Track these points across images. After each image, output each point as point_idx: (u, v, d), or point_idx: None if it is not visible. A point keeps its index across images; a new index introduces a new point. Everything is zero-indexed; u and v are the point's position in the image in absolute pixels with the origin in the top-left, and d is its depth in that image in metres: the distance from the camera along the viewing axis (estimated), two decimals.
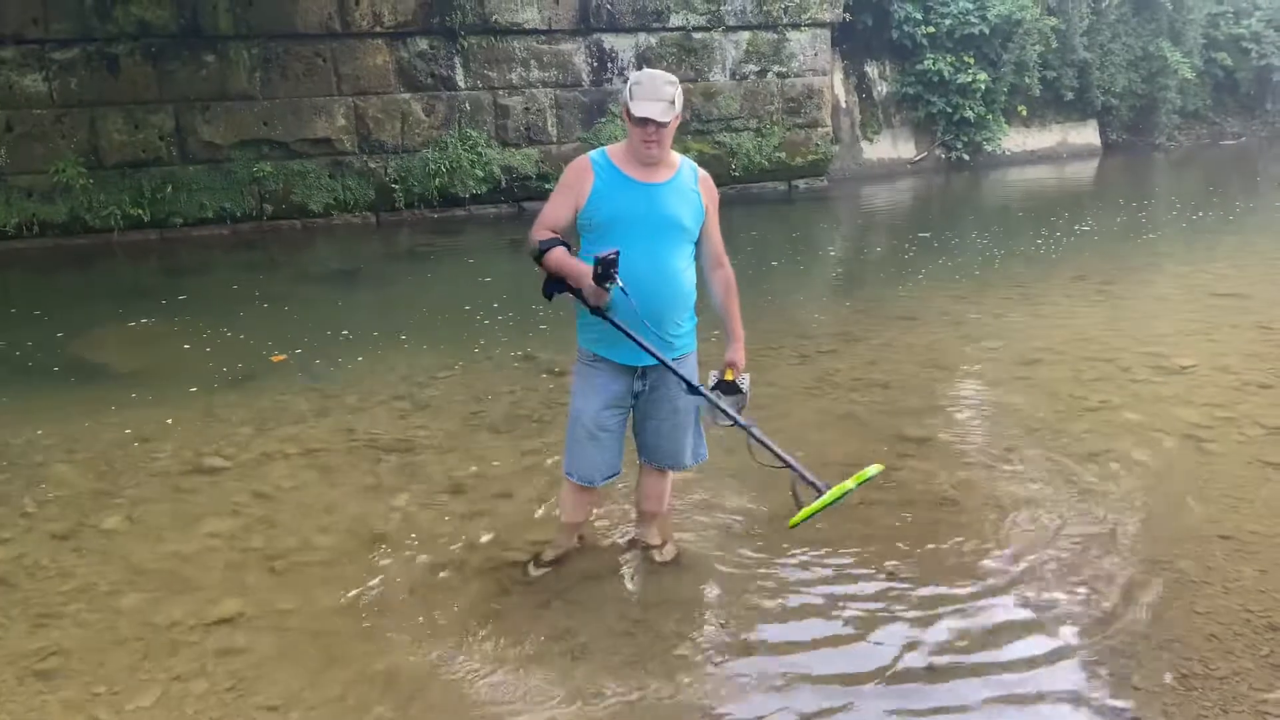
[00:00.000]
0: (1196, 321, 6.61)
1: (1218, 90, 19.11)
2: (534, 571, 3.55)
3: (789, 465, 3.04)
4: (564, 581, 3.50)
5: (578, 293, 3.12)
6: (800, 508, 2.97)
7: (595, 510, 3.89)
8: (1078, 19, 16.09)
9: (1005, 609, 3.27)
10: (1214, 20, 18.33)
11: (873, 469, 3.12)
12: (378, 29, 11.61)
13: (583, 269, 3.06)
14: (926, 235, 10.66)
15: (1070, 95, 16.78)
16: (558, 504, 3.79)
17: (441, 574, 3.59)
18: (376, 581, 3.55)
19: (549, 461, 4.53)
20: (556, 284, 3.15)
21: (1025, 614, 3.23)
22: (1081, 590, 3.36)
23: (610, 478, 3.45)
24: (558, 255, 3.11)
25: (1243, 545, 3.61)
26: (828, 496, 2.94)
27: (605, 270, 2.95)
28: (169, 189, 10.78)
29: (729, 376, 3.43)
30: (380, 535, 3.91)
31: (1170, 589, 3.35)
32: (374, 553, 3.77)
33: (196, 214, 10.91)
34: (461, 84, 12.15)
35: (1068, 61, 16.39)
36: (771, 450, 3.06)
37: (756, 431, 3.11)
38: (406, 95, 11.91)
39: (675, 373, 3.19)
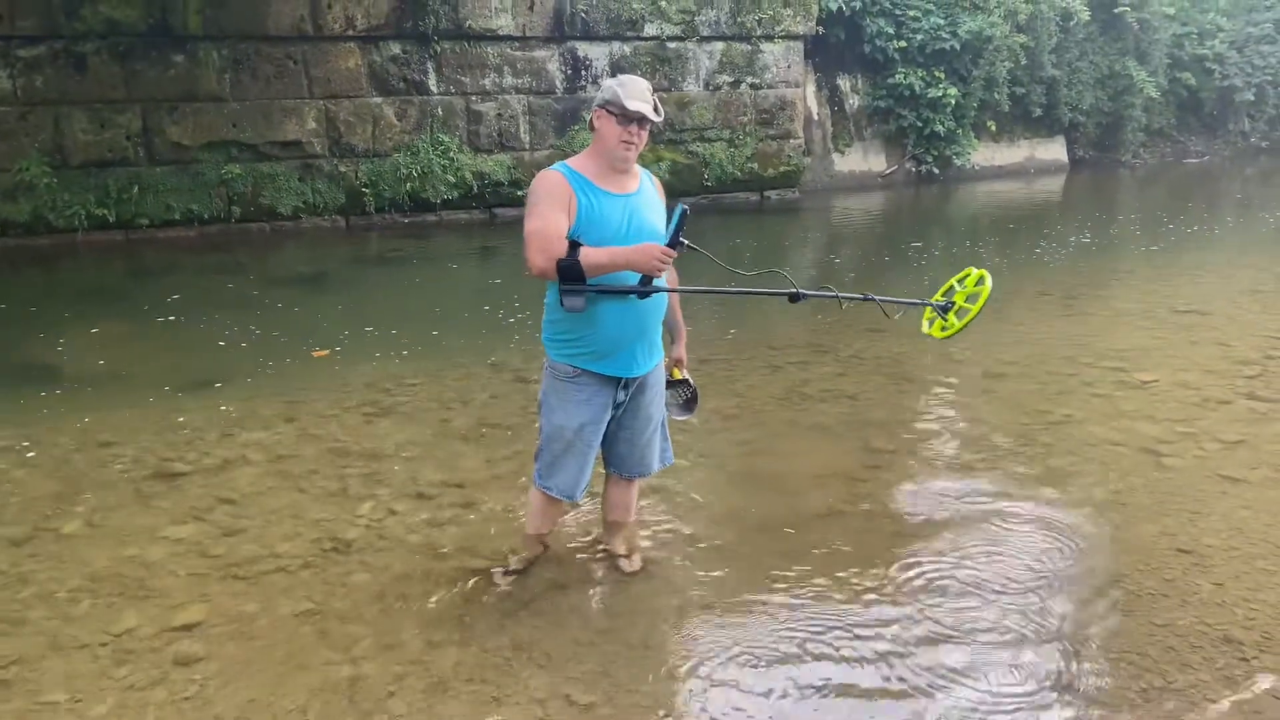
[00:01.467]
0: (1157, 337, 6.72)
1: (1182, 109, 19.47)
2: (500, 581, 3.54)
3: (918, 303, 3.47)
4: (530, 591, 3.49)
5: (602, 290, 2.99)
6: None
7: (563, 519, 3.88)
8: (1046, 37, 16.33)
9: (966, 620, 3.30)
10: (1179, 40, 18.68)
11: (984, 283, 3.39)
12: (350, 32, 11.55)
13: (630, 248, 2.97)
14: (895, 247, 10.76)
15: (1038, 111, 17.03)
16: (526, 514, 3.78)
17: (407, 582, 3.57)
18: (341, 590, 3.52)
19: (516, 470, 4.52)
20: (583, 291, 2.98)
21: (985, 625, 3.27)
22: (1041, 602, 3.40)
23: (583, 490, 3.45)
24: (588, 253, 2.93)
25: (1200, 559, 3.68)
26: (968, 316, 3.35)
27: (681, 229, 2.96)
28: (135, 190, 10.63)
29: (676, 374, 3.58)
30: (345, 543, 3.87)
31: (1130, 602, 3.40)
32: (339, 561, 3.74)
33: (163, 215, 10.77)
34: (434, 89, 12.11)
35: (1036, 78, 16.63)
36: (901, 303, 3.47)
37: (878, 298, 3.38)
38: (378, 99, 11.85)
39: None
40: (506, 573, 3.58)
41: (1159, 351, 6.38)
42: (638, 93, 3.08)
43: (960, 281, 3.41)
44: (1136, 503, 4.16)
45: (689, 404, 3.67)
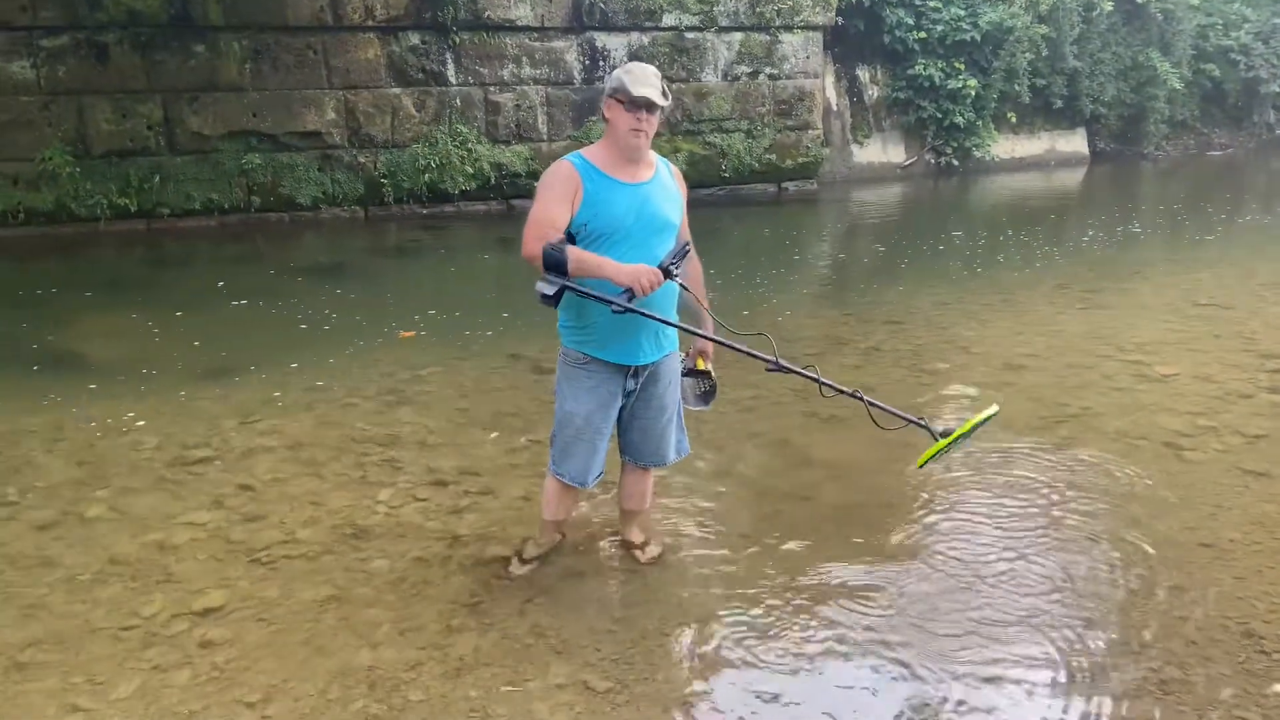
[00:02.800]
0: (1178, 331, 6.67)
1: (1206, 101, 19.24)
2: (517, 568, 3.56)
3: (910, 421, 3.22)
4: (546, 578, 3.51)
5: (579, 291, 2.95)
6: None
7: (581, 507, 3.90)
8: (1068, 28, 16.17)
9: (986, 612, 3.29)
10: (1203, 32, 18.46)
11: (990, 410, 3.24)
12: (369, 23, 11.57)
13: (607, 263, 2.96)
14: (914, 240, 10.71)
15: (1059, 103, 16.87)
16: (542, 500, 3.79)
17: (425, 568, 3.60)
18: (360, 575, 3.55)
19: (534, 458, 4.54)
20: (559, 286, 2.92)
21: (1004, 617, 3.26)
22: (1060, 595, 3.39)
23: (597, 478, 3.46)
24: (577, 252, 2.94)
25: (1221, 553, 3.65)
26: (951, 437, 3.18)
27: (678, 263, 3.01)
28: (156, 179, 10.71)
29: (700, 364, 3.54)
30: (364, 529, 3.90)
31: (1150, 595, 3.38)
32: (358, 546, 3.77)
33: (183, 205, 10.85)
34: (453, 80, 12.13)
35: (1057, 70, 16.48)
36: (889, 411, 3.21)
37: (867, 398, 3.20)
38: (397, 90, 11.88)
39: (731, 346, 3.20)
40: (524, 560, 3.60)
41: (1180, 345, 6.33)
42: (644, 79, 3.07)
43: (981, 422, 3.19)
44: (1157, 496, 4.14)
45: (706, 396, 3.63)
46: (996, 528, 3.89)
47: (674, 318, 3.27)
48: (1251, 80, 19.11)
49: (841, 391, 3.19)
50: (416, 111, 11.97)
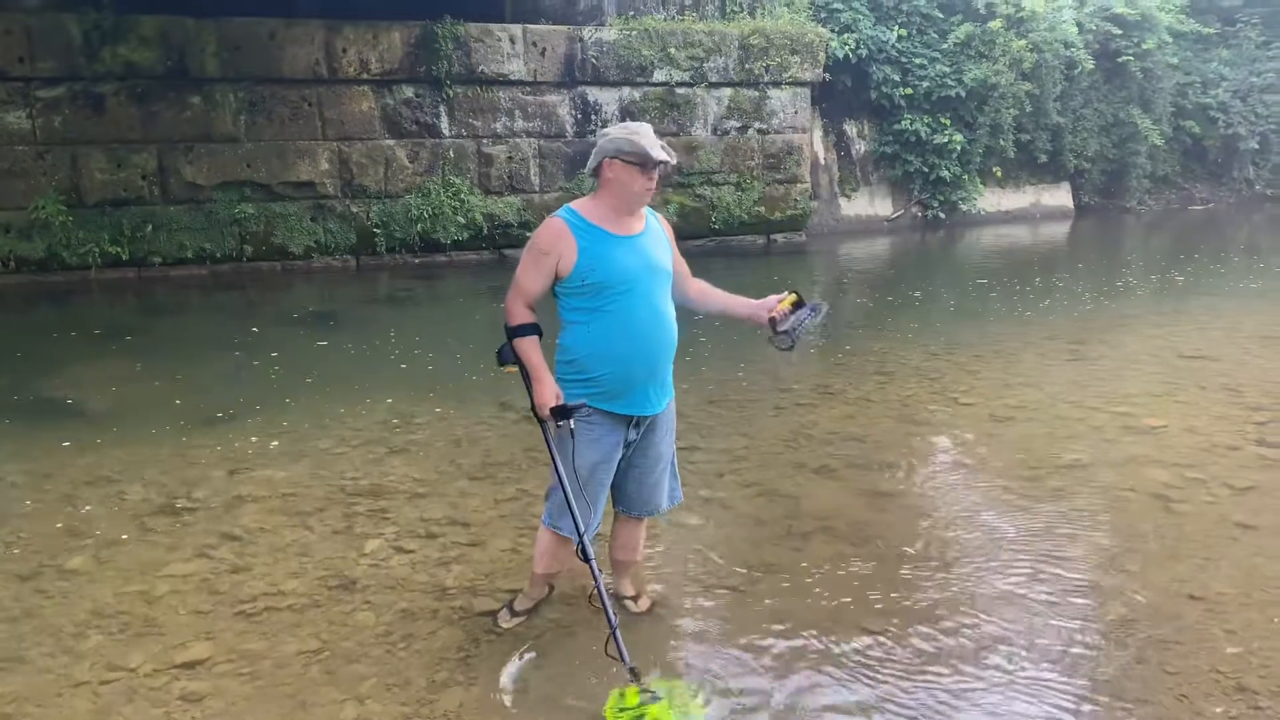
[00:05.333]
0: (1165, 383, 6.71)
1: (1186, 157, 19.60)
2: (506, 621, 3.52)
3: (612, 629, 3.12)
4: (536, 631, 3.48)
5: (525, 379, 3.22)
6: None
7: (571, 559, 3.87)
8: (1051, 85, 16.50)
9: (976, 666, 3.27)
10: (1182, 89, 18.86)
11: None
12: (364, 75, 11.74)
13: (545, 374, 3.19)
14: (903, 291, 10.80)
15: (1044, 158, 17.15)
16: (534, 553, 3.76)
17: (412, 621, 3.56)
18: (346, 628, 3.51)
19: (523, 509, 4.52)
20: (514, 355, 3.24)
21: (995, 674, 3.24)
22: (1053, 649, 3.37)
23: (593, 531, 3.43)
24: (526, 348, 3.20)
25: (1212, 606, 3.64)
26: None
27: (563, 416, 3.13)
28: (149, 228, 10.76)
29: (788, 303, 3.35)
30: (351, 581, 3.87)
31: (1141, 649, 3.36)
32: (344, 599, 3.73)
33: (176, 254, 10.88)
34: (446, 131, 12.27)
35: (1041, 125, 16.78)
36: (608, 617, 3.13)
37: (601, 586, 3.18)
38: (391, 141, 12.01)
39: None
40: (513, 613, 3.56)
41: (1167, 397, 6.37)
42: (654, 140, 3.15)
43: None
44: (1147, 549, 4.14)
45: (816, 315, 3.34)
46: (985, 579, 3.87)
47: (665, 374, 3.30)
48: (1230, 137, 19.49)
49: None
50: (410, 162, 12.09)
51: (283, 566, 3.99)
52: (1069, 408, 6.13)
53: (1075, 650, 3.36)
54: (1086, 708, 3.04)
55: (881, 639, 3.44)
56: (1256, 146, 19.83)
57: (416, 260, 11.94)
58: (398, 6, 11.68)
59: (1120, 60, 17.45)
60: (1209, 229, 16.79)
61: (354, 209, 11.83)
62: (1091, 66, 16.81)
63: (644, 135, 3.15)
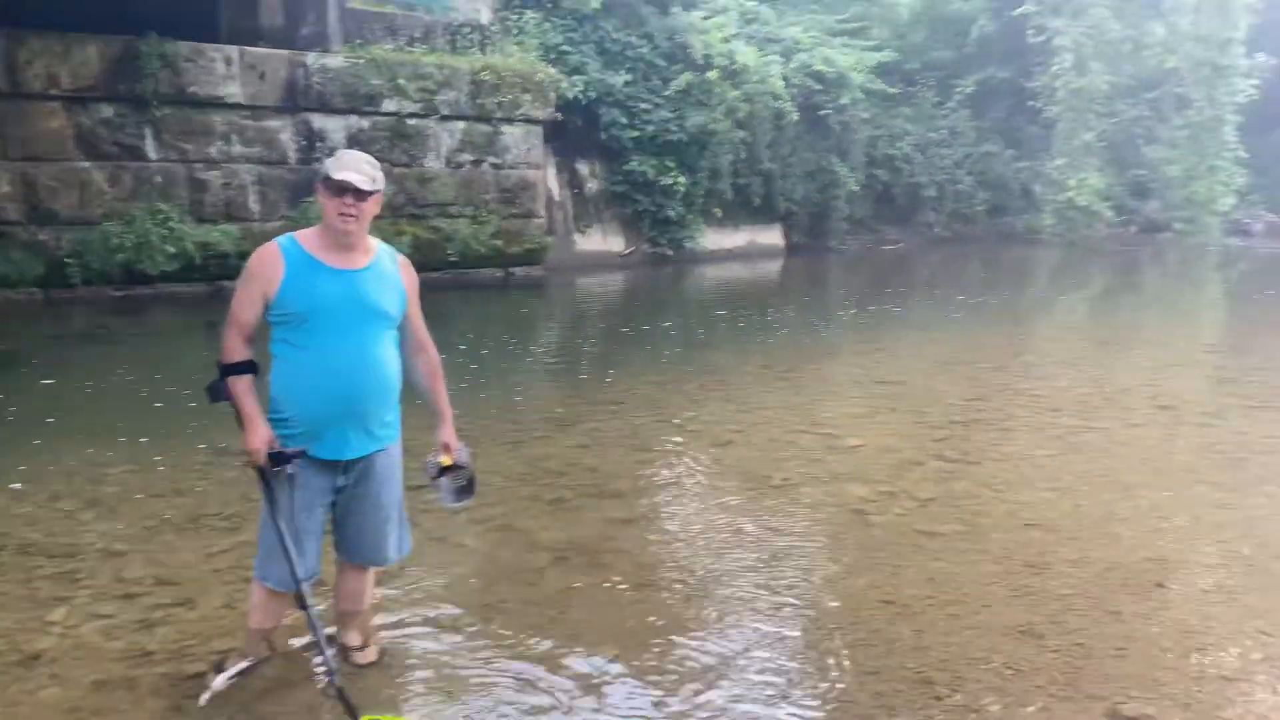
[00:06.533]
0: (862, 405, 7.41)
1: (879, 202, 21.87)
2: (217, 684, 3.27)
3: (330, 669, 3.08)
4: (251, 693, 3.25)
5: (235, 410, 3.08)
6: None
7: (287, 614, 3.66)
8: (762, 133, 17.89)
9: (701, 683, 3.43)
10: (873, 142, 21.07)
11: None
12: (54, 91, 10.66)
13: (256, 417, 3.04)
14: (633, 324, 11.22)
15: (758, 200, 18.54)
16: (248, 609, 3.53)
17: (107, 694, 3.22)
18: (27, 708, 3.12)
19: (240, 562, 4.22)
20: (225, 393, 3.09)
21: (717, 677, 3.41)
22: (764, 655, 3.60)
23: (310, 580, 3.26)
24: (239, 389, 3.06)
25: (902, 609, 4.03)
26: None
27: (279, 463, 2.99)
28: None
29: (446, 461, 3.41)
30: (35, 654, 3.44)
31: (843, 652, 3.66)
32: (25, 675, 3.31)
33: None
34: (152, 155, 11.38)
35: (755, 170, 18.13)
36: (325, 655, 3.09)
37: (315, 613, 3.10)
38: (87, 164, 10.97)
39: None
40: (228, 675, 3.31)
41: (865, 418, 7.03)
42: (350, 164, 3.07)
43: None
44: (848, 559, 4.53)
45: (463, 491, 3.48)
46: (710, 600, 4.08)
47: (376, 418, 3.17)
48: (914, 185, 22.00)
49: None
50: (109, 187, 11.09)
51: None
52: (781, 431, 6.62)
53: (787, 657, 3.61)
54: (798, 711, 3.27)
55: (615, 667, 3.52)
56: (935, 194, 22.51)
57: (118, 293, 10.93)
58: (96, 19, 10.71)
59: (821, 113, 19.22)
60: (898, 267, 18.77)
61: (42, 237, 10.67)
62: (797, 118, 18.39)
63: (341, 159, 3.09)
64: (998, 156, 23.74)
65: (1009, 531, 4.84)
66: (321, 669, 3.26)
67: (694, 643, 3.70)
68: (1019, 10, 22.30)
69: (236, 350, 3.08)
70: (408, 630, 3.75)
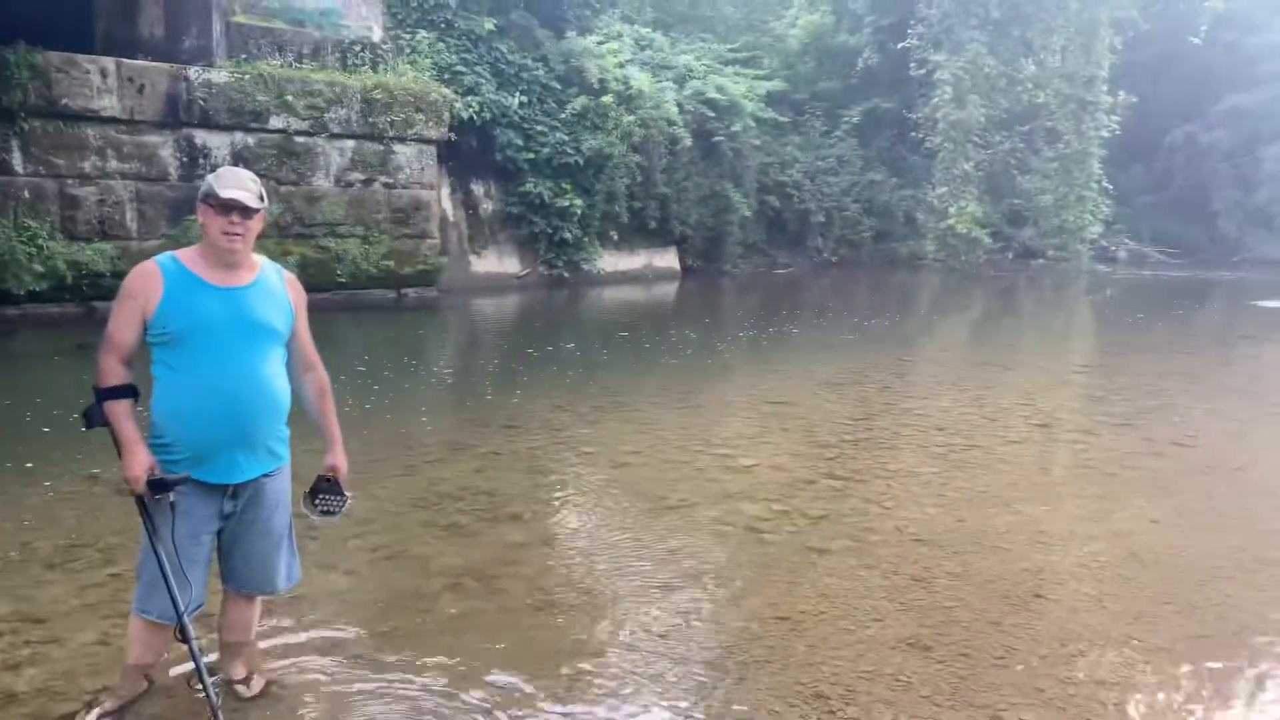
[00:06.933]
0: (755, 426, 7.55)
1: (770, 227, 22.40)
2: None
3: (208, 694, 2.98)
4: None
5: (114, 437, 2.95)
6: None
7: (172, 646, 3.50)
8: (657, 158, 18.13)
9: (598, 702, 3.42)
10: (765, 168, 21.60)
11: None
12: None
13: (134, 443, 2.91)
14: (530, 347, 11.16)
15: (654, 224, 18.75)
16: (124, 644, 3.36)
17: None
18: None
19: (113, 595, 4.02)
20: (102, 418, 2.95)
21: (617, 698, 3.41)
22: (664, 675, 3.62)
23: (195, 611, 3.12)
24: (117, 413, 2.93)
25: (796, 624, 4.11)
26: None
27: (160, 490, 2.88)
28: None
29: (329, 477, 3.34)
30: None
31: (741, 669, 3.71)
32: None
33: None
34: (19, 169, 10.82)
35: (651, 194, 18.34)
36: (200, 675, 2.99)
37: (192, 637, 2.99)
38: None
39: None
40: (102, 714, 3.14)
41: (758, 438, 7.16)
42: (235, 181, 2.99)
43: None
44: (743, 577, 4.59)
45: (330, 509, 3.37)
46: (606, 618, 4.08)
47: (264, 438, 3.07)
48: (803, 211, 22.62)
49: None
50: None
51: None
52: (677, 451, 6.68)
53: (686, 676, 3.63)
54: None
55: (511, 691, 3.48)
56: (824, 220, 23.19)
57: None
58: None
59: (714, 140, 19.60)
60: (789, 290, 19.23)
61: None
62: (690, 144, 18.71)
63: (225, 177, 3.01)
64: (882, 184, 24.64)
65: (896, 547, 4.99)
66: (204, 703, 3.12)
67: (593, 664, 3.69)
68: (902, 44, 23.27)
69: (114, 373, 2.95)
70: (296, 661, 3.63)
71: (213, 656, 3.37)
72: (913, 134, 24.02)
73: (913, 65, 23.13)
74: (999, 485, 6.13)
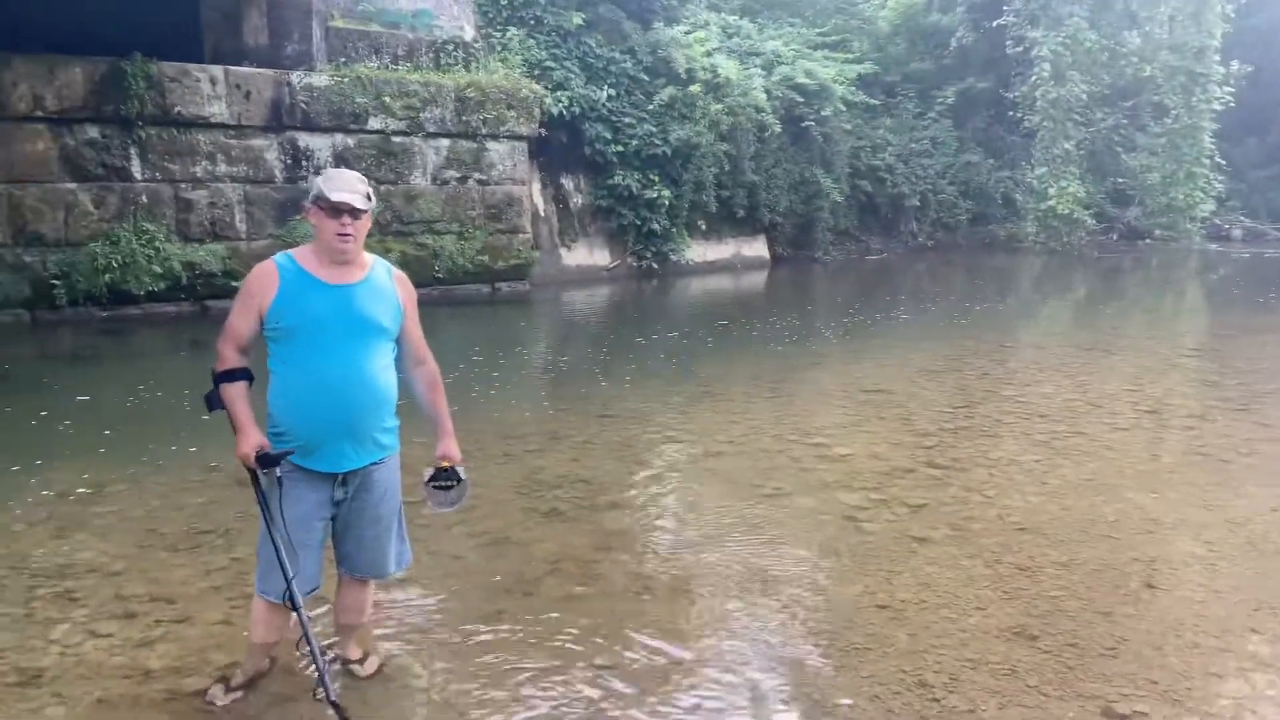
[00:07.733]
0: (851, 415, 7.48)
1: (862, 212, 22.02)
2: (220, 697, 3.28)
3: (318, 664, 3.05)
4: (254, 707, 3.27)
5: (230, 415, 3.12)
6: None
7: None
8: (745, 146, 18.00)
9: (700, 687, 3.46)
10: (856, 152, 21.24)
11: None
12: (39, 113, 10.66)
13: (247, 423, 3.07)
14: (621, 337, 11.26)
15: (742, 212, 18.63)
16: (250, 623, 3.55)
17: (110, 711, 3.23)
18: None
19: (236, 578, 4.24)
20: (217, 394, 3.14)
21: (718, 690, 3.45)
22: (764, 662, 3.65)
23: (310, 593, 3.28)
24: (232, 395, 3.10)
25: (896, 613, 4.08)
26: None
27: (268, 464, 3.02)
28: None
29: (445, 465, 3.42)
30: (36, 672, 3.45)
31: (840, 657, 3.71)
32: (28, 695, 3.32)
33: None
34: (138, 175, 11.38)
35: (739, 183, 18.23)
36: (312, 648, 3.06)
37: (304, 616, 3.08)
38: (72, 185, 10.96)
39: None
40: (228, 689, 3.32)
41: (854, 427, 7.09)
42: (344, 184, 3.11)
43: None
44: (841, 566, 4.57)
45: (448, 499, 3.46)
46: (705, 608, 4.12)
47: (370, 430, 3.18)
48: (896, 195, 22.16)
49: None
50: (95, 208, 11.08)
51: None
52: (772, 440, 6.67)
53: (784, 663, 3.65)
54: (799, 715, 3.30)
55: (610, 678, 3.55)
56: (918, 204, 22.68)
57: (104, 314, 10.90)
58: (80, 41, 10.73)
59: (804, 125, 19.36)
60: (882, 277, 18.90)
61: (27, 258, 10.64)
62: (779, 130, 18.52)
63: (334, 180, 3.12)
64: (979, 166, 23.99)
65: (999, 535, 4.90)
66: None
67: (694, 651, 3.74)
68: (997, 21, 22.58)
69: (230, 359, 3.13)
70: (409, 642, 3.77)
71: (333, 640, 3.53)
72: (1010, 113, 23.31)
73: (1009, 43, 22.42)
74: (1106, 473, 5.95)
